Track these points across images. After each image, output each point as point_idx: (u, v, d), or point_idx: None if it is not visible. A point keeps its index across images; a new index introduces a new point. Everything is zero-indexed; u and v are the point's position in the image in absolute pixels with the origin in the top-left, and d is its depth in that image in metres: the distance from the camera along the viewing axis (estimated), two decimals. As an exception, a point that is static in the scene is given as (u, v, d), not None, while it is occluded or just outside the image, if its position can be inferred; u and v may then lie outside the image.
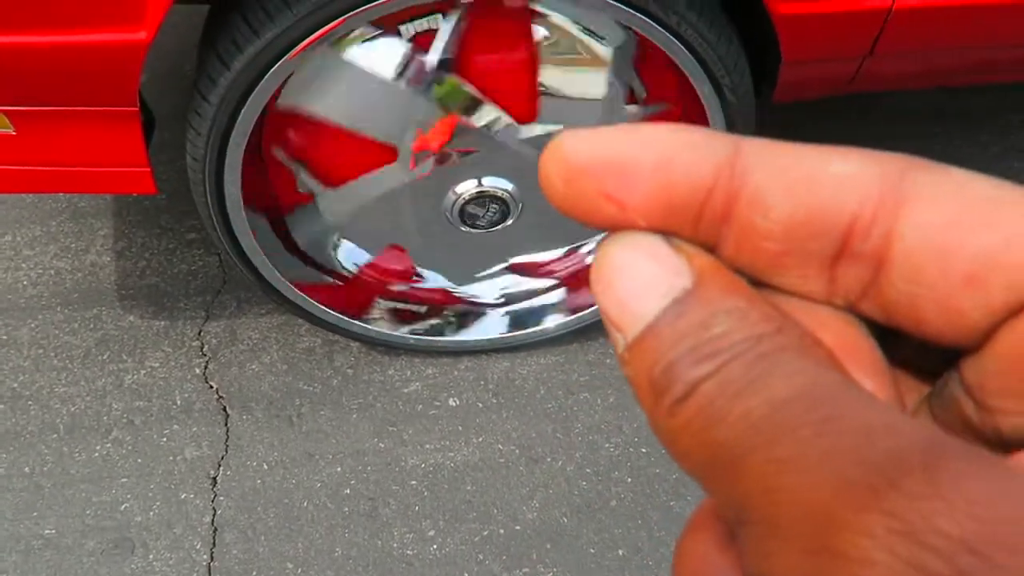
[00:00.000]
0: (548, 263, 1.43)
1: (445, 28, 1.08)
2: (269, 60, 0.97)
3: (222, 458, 1.37)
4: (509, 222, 1.27)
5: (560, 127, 1.16)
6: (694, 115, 1.15)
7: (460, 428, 1.41)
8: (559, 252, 1.42)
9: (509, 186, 1.22)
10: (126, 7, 0.88)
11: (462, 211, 1.23)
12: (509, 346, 1.46)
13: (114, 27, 0.88)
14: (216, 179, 1.06)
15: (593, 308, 1.40)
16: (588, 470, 1.36)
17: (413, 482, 1.35)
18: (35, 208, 1.68)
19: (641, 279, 0.15)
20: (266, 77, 0.99)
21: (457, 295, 1.43)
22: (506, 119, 1.16)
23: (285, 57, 0.97)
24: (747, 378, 0.14)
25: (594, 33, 1.11)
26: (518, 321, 1.43)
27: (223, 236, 1.17)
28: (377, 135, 1.16)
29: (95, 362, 1.47)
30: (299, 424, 1.41)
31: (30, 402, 1.42)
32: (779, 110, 1.33)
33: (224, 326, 1.52)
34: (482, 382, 1.46)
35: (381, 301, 1.40)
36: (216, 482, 1.34)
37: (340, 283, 1.36)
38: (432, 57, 1.09)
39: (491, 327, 1.43)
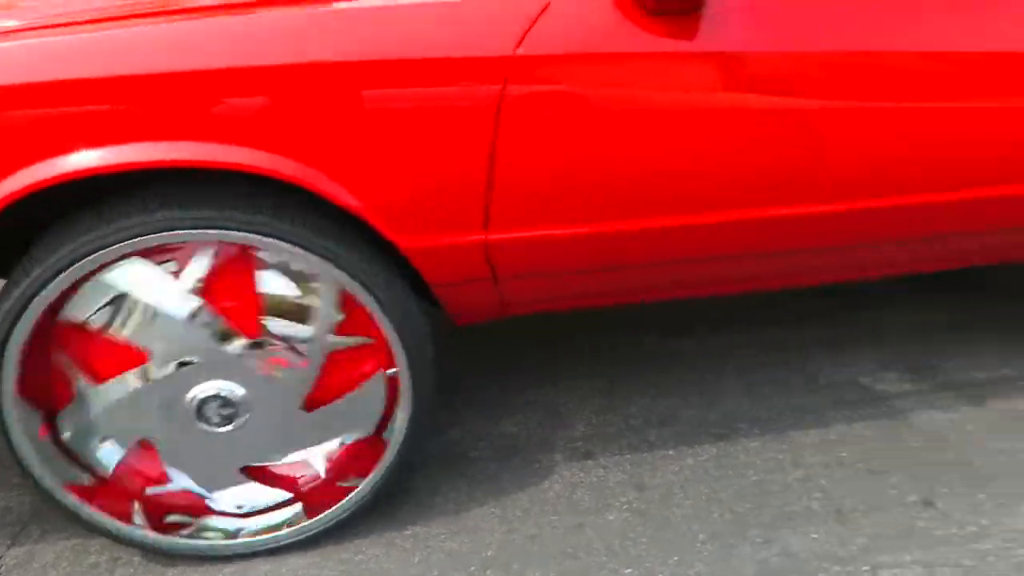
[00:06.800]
0: (284, 475, 1.67)
1: (198, 264, 1.46)
2: (34, 291, 1.40)
3: (-10, 661, 1.51)
4: (240, 420, 1.58)
5: (282, 344, 1.55)
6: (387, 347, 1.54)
7: (215, 623, 1.57)
8: (292, 459, 1.66)
9: (240, 390, 1.57)
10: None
11: (199, 408, 1.56)
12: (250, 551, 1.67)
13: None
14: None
15: (328, 512, 1.66)
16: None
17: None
18: None
19: None
20: (29, 307, 1.40)
21: (202, 501, 1.65)
22: (242, 339, 1.54)
23: (55, 280, 1.39)
24: None
25: (312, 290, 1.50)
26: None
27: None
28: (134, 341, 1.49)
29: (-102, 586, 1.66)
30: (67, 627, 1.57)
31: None
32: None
33: (25, 551, 1.74)
34: (243, 583, 1.66)
35: (138, 505, 1.63)
36: None
37: (98, 483, 1.60)
38: (183, 285, 1.46)
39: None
